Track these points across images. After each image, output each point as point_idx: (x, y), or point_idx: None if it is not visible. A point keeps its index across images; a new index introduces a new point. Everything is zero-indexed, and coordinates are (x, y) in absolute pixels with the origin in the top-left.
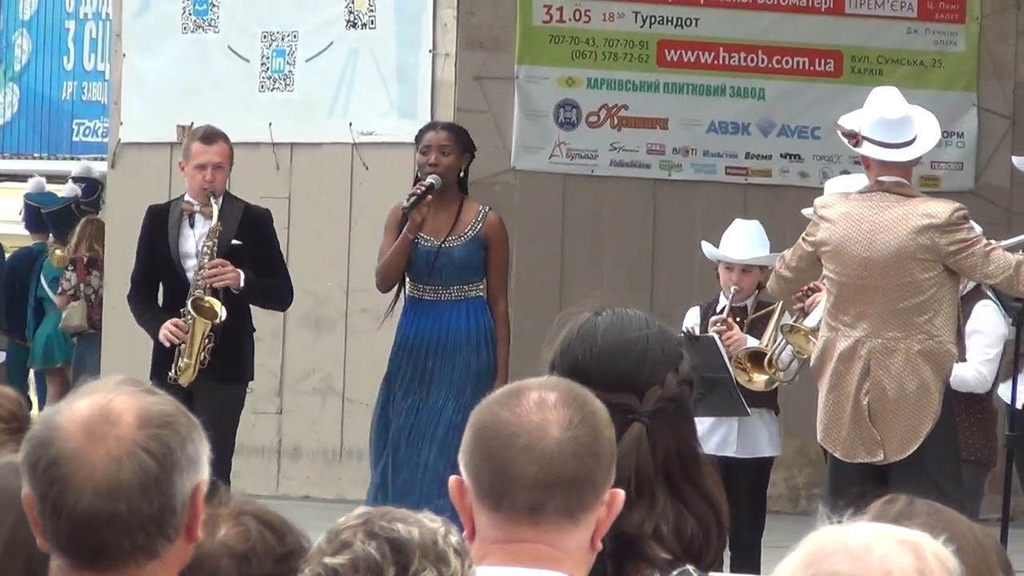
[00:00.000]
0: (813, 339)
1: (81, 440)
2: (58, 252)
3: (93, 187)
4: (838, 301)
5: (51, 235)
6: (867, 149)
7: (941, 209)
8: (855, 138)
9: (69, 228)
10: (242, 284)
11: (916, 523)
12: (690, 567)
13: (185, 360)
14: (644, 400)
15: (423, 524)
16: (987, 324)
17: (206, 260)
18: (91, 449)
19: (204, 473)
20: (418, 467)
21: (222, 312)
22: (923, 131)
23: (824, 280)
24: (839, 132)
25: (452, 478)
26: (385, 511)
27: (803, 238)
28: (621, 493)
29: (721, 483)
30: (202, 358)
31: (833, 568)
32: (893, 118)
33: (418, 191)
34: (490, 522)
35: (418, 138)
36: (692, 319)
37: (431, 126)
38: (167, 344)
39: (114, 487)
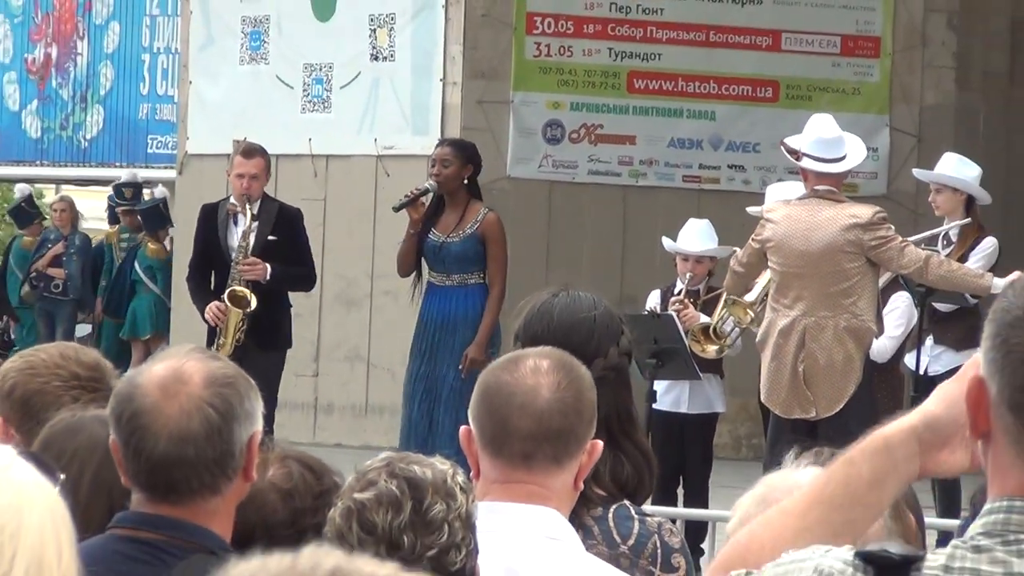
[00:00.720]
0: (750, 312)
1: (158, 396)
2: (151, 245)
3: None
4: (780, 287)
5: (144, 230)
6: (806, 163)
7: (864, 211)
8: (796, 154)
9: (159, 225)
10: (268, 277)
11: None
12: (626, 502)
13: (223, 339)
14: (591, 369)
15: (435, 466)
16: (899, 308)
17: (240, 257)
18: (166, 404)
19: (259, 424)
20: (430, 423)
21: (253, 301)
22: (852, 150)
23: (770, 270)
24: (783, 149)
25: (462, 428)
26: (404, 455)
27: (752, 239)
28: (600, 444)
29: (645, 437)
30: (238, 338)
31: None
32: (828, 138)
33: (409, 194)
34: (491, 466)
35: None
36: (654, 300)
37: (439, 143)
38: (211, 323)
39: (185, 435)
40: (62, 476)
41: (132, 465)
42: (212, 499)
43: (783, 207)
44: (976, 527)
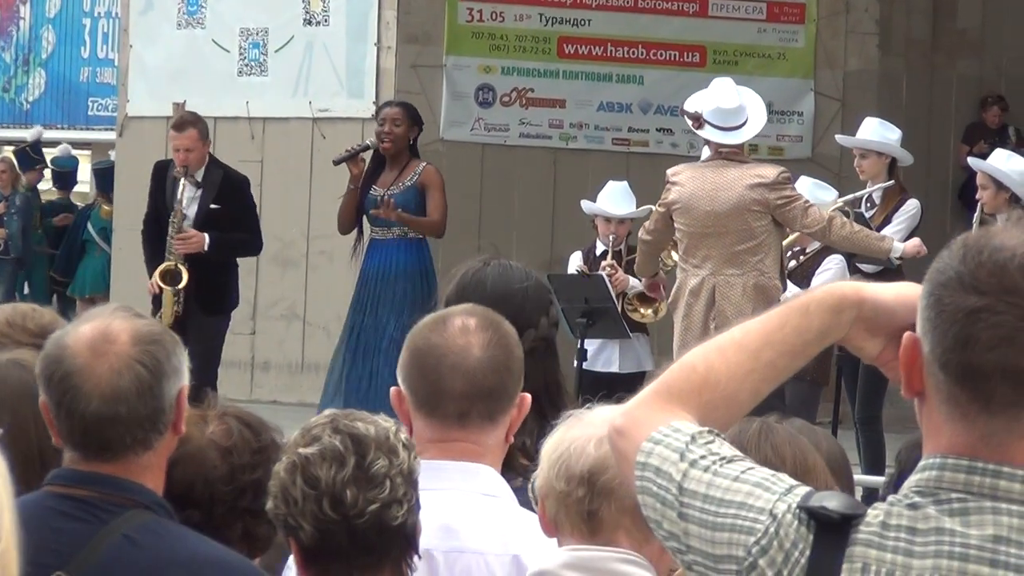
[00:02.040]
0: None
1: (87, 356)
2: (105, 207)
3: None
4: (688, 248)
5: (97, 190)
6: (707, 132)
7: (769, 171)
8: (697, 120)
9: (111, 187)
10: (206, 247)
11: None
12: None
13: (162, 313)
14: (523, 340)
15: (378, 423)
16: (831, 270)
17: (173, 232)
18: (96, 363)
19: (185, 379)
20: (367, 375)
21: (184, 276)
22: (753, 116)
23: (677, 232)
24: (684, 116)
25: (392, 389)
26: (348, 412)
27: (657, 205)
28: (528, 397)
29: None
30: (176, 311)
31: (567, 438)
32: (729, 107)
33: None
34: (426, 425)
35: (378, 111)
36: (576, 262)
37: (388, 103)
38: (153, 291)
39: (116, 394)
40: (1, 431)
41: (65, 425)
42: (144, 454)
43: (687, 170)
44: (911, 483)
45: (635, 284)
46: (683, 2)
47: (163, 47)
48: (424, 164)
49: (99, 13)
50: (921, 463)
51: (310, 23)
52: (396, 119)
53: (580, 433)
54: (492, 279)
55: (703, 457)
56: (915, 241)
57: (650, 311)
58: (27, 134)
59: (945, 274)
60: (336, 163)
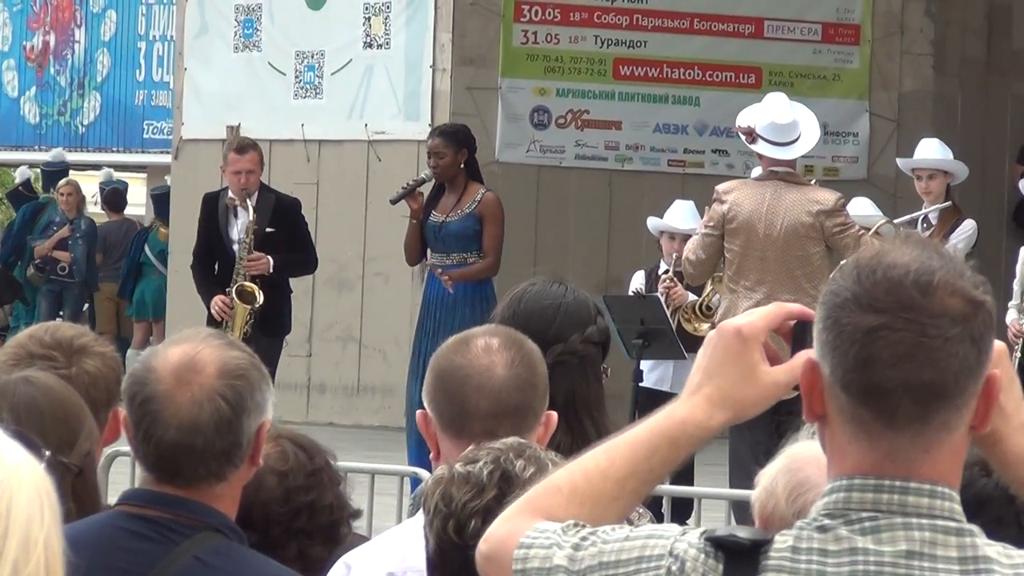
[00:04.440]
0: None
1: (171, 383)
2: (163, 229)
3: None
4: (740, 269)
5: (156, 215)
6: (761, 147)
7: (828, 197)
8: (751, 135)
9: (168, 210)
10: (271, 269)
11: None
12: None
13: (231, 334)
14: (547, 354)
15: (545, 471)
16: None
17: (244, 253)
18: (178, 392)
19: (268, 414)
20: (409, 400)
21: (260, 297)
22: (806, 131)
23: (726, 251)
24: (738, 131)
25: (419, 412)
26: (524, 448)
27: (704, 227)
28: (554, 415)
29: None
30: (245, 331)
31: (805, 475)
32: (783, 123)
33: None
34: (453, 446)
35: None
36: (638, 281)
37: (431, 133)
38: (219, 316)
39: (195, 425)
40: (47, 453)
41: (141, 447)
42: (217, 485)
43: (741, 188)
44: (819, 507)
45: (694, 300)
46: (739, 23)
47: (218, 70)
48: (484, 191)
49: (154, 36)
50: (827, 486)
51: (370, 46)
52: (438, 151)
53: (824, 479)
54: (528, 296)
55: (583, 539)
56: None
57: (705, 325)
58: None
59: (840, 296)
60: (394, 202)
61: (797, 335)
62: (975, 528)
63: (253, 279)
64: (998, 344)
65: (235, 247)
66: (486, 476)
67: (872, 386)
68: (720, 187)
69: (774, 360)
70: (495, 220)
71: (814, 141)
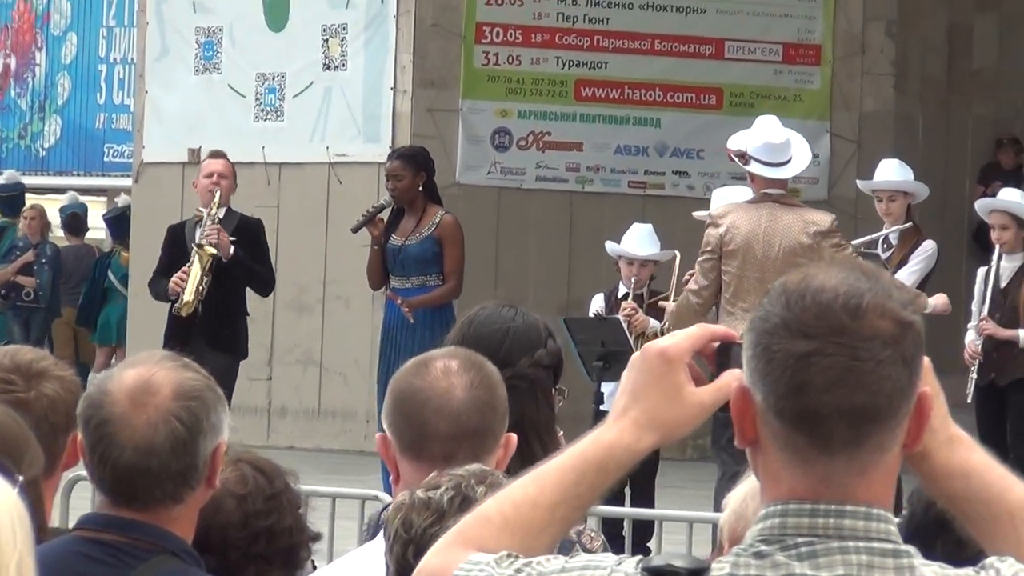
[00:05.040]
0: None
1: (126, 406)
2: (124, 253)
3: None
4: (737, 292)
5: (113, 238)
6: (754, 168)
7: (823, 218)
8: (743, 157)
9: (126, 233)
10: (231, 253)
11: None
12: None
13: (186, 295)
14: None
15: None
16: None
17: (208, 224)
18: (134, 414)
19: (224, 435)
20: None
21: (213, 250)
22: (798, 153)
23: (723, 274)
24: (729, 152)
25: (378, 435)
26: (486, 474)
27: (702, 253)
28: (514, 437)
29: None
30: (200, 290)
31: None
32: (777, 142)
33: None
34: (412, 469)
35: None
36: (598, 303)
37: (390, 155)
38: (176, 289)
39: (150, 447)
40: (20, 478)
41: (97, 470)
42: (174, 507)
43: (736, 210)
44: (753, 533)
45: (655, 325)
46: (700, 44)
47: (179, 93)
48: (443, 214)
49: (115, 59)
50: (762, 512)
51: (329, 68)
52: (397, 174)
53: None
54: (478, 320)
55: (518, 571)
56: (944, 299)
57: None
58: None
59: (770, 321)
60: (354, 231)
61: (721, 357)
62: (912, 549)
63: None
64: (924, 360)
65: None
66: (446, 502)
67: (806, 412)
68: (714, 211)
69: (698, 381)
70: (455, 243)
71: (807, 162)
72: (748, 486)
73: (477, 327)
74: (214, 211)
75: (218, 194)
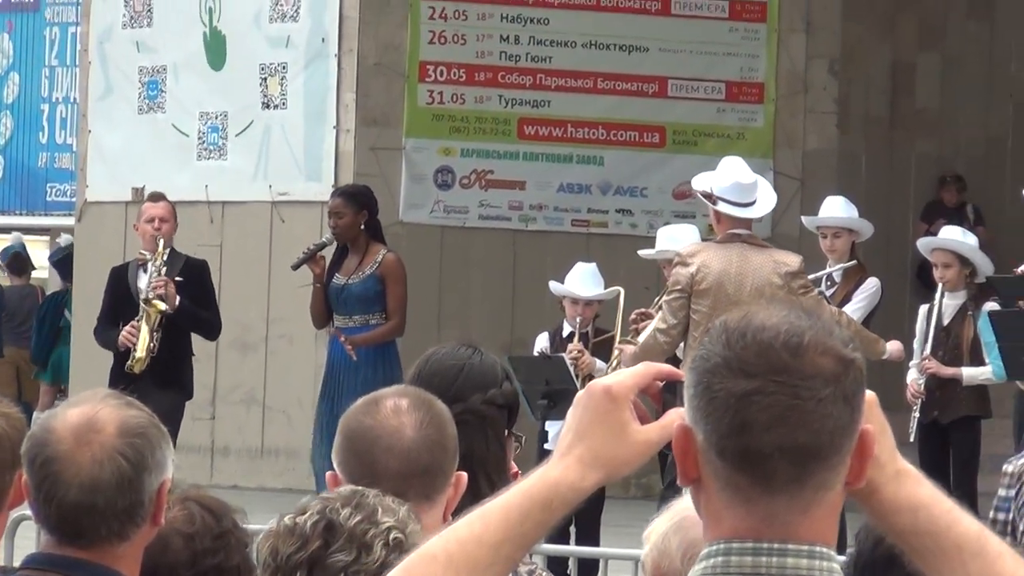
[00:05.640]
0: None
1: (71, 443)
2: None
3: None
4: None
5: (62, 279)
6: (723, 207)
7: (792, 259)
8: (711, 197)
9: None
10: (176, 304)
11: None
12: None
13: (138, 351)
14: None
15: (375, 518)
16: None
17: (154, 276)
18: (79, 452)
19: (168, 472)
20: (314, 462)
21: (163, 306)
22: (764, 194)
23: (693, 314)
24: (697, 192)
25: (328, 473)
26: (358, 497)
27: (671, 291)
28: (464, 476)
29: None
30: (151, 347)
31: (698, 533)
32: (746, 183)
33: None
34: None
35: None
36: (543, 342)
37: (332, 193)
38: (128, 343)
39: (95, 484)
40: None
41: (43, 509)
42: (120, 545)
43: (706, 250)
44: (696, 572)
45: (601, 367)
46: (643, 82)
47: (123, 132)
48: (385, 252)
49: (57, 98)
50: (704, 551)
51: (268, 107)
52: (338, 211)
53: None
54: (435, 358)
55: None
56: (899, 347)
57: None
58: None
59: (711, 360)
60: (294, 268)
61: (667, 395)
62: None
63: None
64: (868, 394)
65: (142, 297)
66: (309, 527)
67: (748, 451)
68: (683, 250)
69: (643, 420)
70: (397, 281)
71: (772, 203)
72: (668, 521)
73: (434, 363)
74: (159, 262)
75: (161, 243)
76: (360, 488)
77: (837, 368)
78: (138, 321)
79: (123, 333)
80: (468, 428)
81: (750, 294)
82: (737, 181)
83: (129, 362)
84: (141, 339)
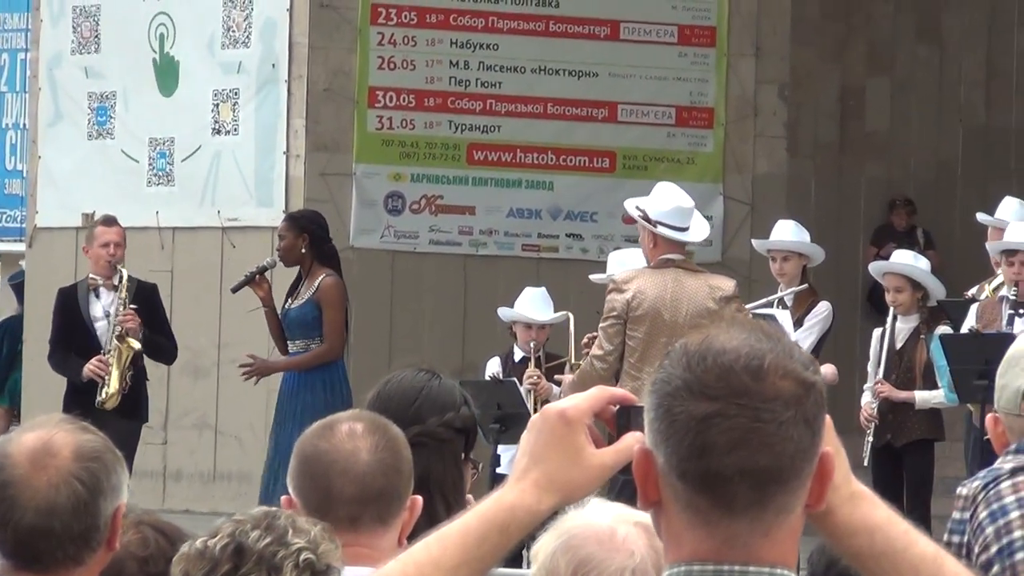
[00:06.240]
0: None
1: (27, 468)
2: None
3: None
4: (644, 356)
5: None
6: (663, 231)
7: (726, 284)
8: (649, 221)
9: None
10: (140, 335)
11: None
12: None
13: (111, 387)
14: (405, 433)
15: (285, 539)
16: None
17: (121, 309)
18: (35, 476)
19: (123, 497)
20: (278, 486)
21: (137, 345)
22: (697, 219)
23: (628, 339)
24: (635, 215)
25: (283, 498)
26: (269, 518)
27: (607, 318)
28: (419, 499)
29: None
30: (124, 384)
31: (587, 552)
32: (686, 207)
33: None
34: None
35: None
36: (494, 367)
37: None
38: (95, 377)
39: (52, 508)
40: None
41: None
42: (75, 569)
43: (641, 276)
44: None
45: (557, 391)
46: (592, 107)
47: (72, 158)
48: (323, 276)
49: (7, 124)
50: (665, 573)
51: (219, 132)
52: (281, 235)
53: (609, 556)
54: (394, 381)
55: None
56: (832, 370)
57: None
58: None
59: (671, 383)
60: (234, 291)
61: (621, 419)
62: None
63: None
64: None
65: (98, 324)
66: (219, 550)
67: (709, 474)
68: (617, 277)
69: (597, 443)
70: (330, 305)
71: (707, 228)
72: (556, 540)
73: (392, 386)
74: (124, 295)
75: (125, 274)
76: (272, 509)
77: (798, 391)
78: (105, 355)
79: (91, 367)
80: (425, 451)
81: (686, 319)
82: (678, 206)
83: (100, 398)
84: (115, 377)
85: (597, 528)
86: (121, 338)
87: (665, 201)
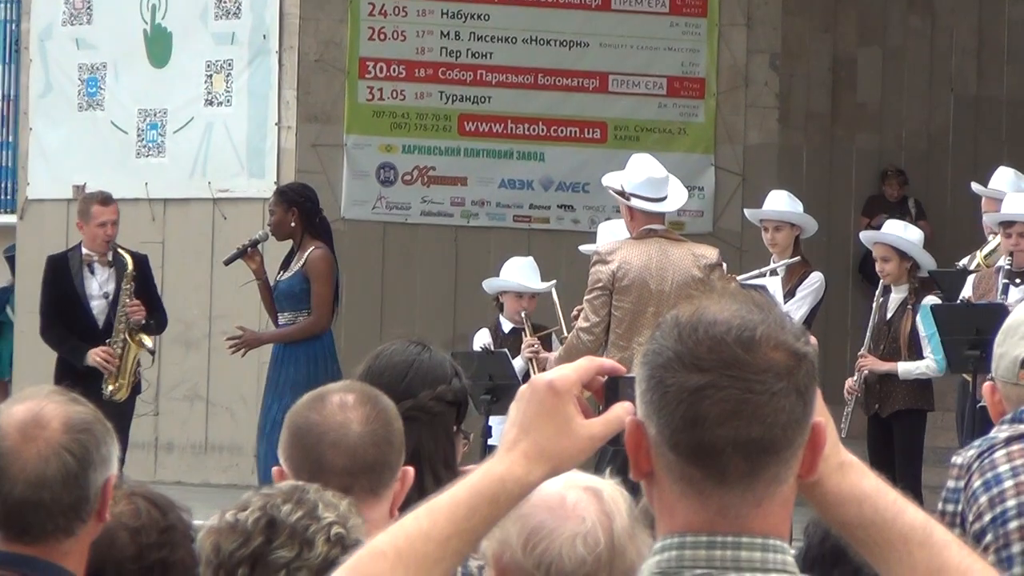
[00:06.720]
0: None
1: (16, 439)
2: None
3: None
4: (632, 326)
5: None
6: (637, 203)
7: (710, 252)
8: (622, 194)
9: None
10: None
11: None
12: None
13: (120, 381)
14: (398, 408)
15: (316, 513)
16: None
17: (127, 300)
18: (24, 448)
19: (113, 468)
20: (258, 458)
21: (151, 344)
22: (675, 189)
23: (615, 310)
24: (610, 191)
25: (275, 469)
26: (296, 492)
27: (593, 290)
28: (411, 470)
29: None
30: (134, 380)
31: (538, 520)
32: (658, 177)
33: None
34: None
35: None
36: (484, 339)
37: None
38: (103, 368)
39: (41, 480)
40: None
41: None
42: (66, 540)
43: (625, 246)
44: (651, 565)
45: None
46: (583, 78)
47: (63, 129)
48: (312, 249)
49: None
50: (658, 544)
51: (211, 103)
52: (271, 208)
53: (560, 523)
54: (385, 354)
55: None
56: (813, 342)
57: None
58: None
59: (663, 355)
60: (226, 263)
61: (609, 390)
62: None
63: (138, 327)
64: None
65: (94, 302)
66: (251, 524)
67: (701, 445)
68: (601, 248)
69: (586, 414)
70: (318, 277)
71: (684, 197)
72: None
73: (383, 359)
74: (128, 285)
75: (130, 263)
76: (301, 483)
77: (790, 362)
78: (113, 346)
79: (99, 359)
80: (417, 424)
81: (672, 288)
82: (650, 176)
83: (108, 391)
84: (126, 371)
85: (547, 495)
86: (131, 332)
87: (637, 173)
